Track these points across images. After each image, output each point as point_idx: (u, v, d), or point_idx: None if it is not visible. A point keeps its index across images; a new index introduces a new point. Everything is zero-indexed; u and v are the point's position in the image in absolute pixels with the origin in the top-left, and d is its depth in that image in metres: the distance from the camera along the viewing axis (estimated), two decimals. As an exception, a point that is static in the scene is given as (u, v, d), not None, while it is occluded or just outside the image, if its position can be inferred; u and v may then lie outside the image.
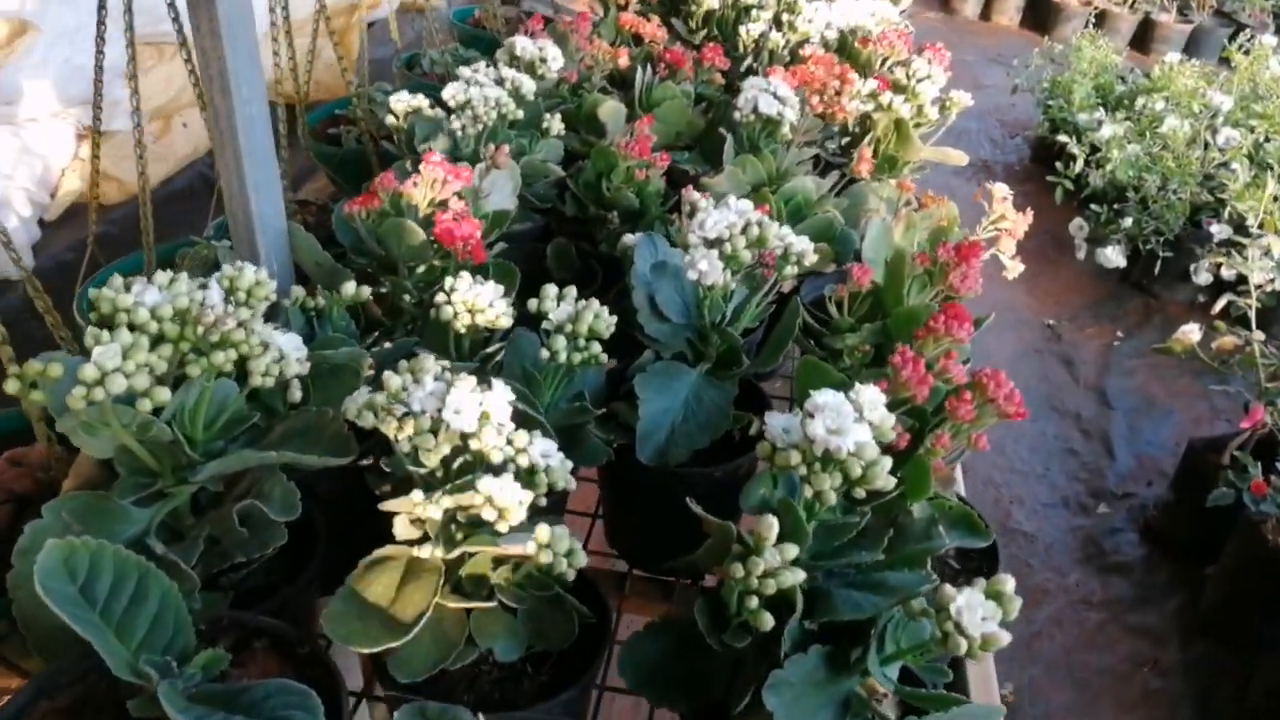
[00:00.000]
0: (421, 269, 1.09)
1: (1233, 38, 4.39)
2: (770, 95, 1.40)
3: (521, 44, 1.55)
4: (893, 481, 0.70)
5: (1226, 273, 2.91)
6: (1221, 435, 2.20)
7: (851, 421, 0.69)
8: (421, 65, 2.32)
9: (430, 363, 0.75)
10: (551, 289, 0.90)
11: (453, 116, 1.30)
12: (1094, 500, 2.37)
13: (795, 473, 0.70)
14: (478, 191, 1.19)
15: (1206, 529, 2.11)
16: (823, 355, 1.05)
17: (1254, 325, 2.16)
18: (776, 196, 1.30)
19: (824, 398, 0.70)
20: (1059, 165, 3.49)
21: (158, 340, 0.75)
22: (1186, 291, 3.11)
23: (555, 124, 1.41)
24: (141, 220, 1.19)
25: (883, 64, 1.69)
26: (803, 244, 0.96)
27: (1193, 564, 2.18)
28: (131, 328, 0.74)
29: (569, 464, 0.78)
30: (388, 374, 0.74)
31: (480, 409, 0.74)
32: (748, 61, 1.83)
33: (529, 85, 1.40)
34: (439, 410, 0.73)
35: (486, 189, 1.25)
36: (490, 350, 0.92)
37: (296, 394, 0.87)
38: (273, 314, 1.01)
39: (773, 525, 0.66)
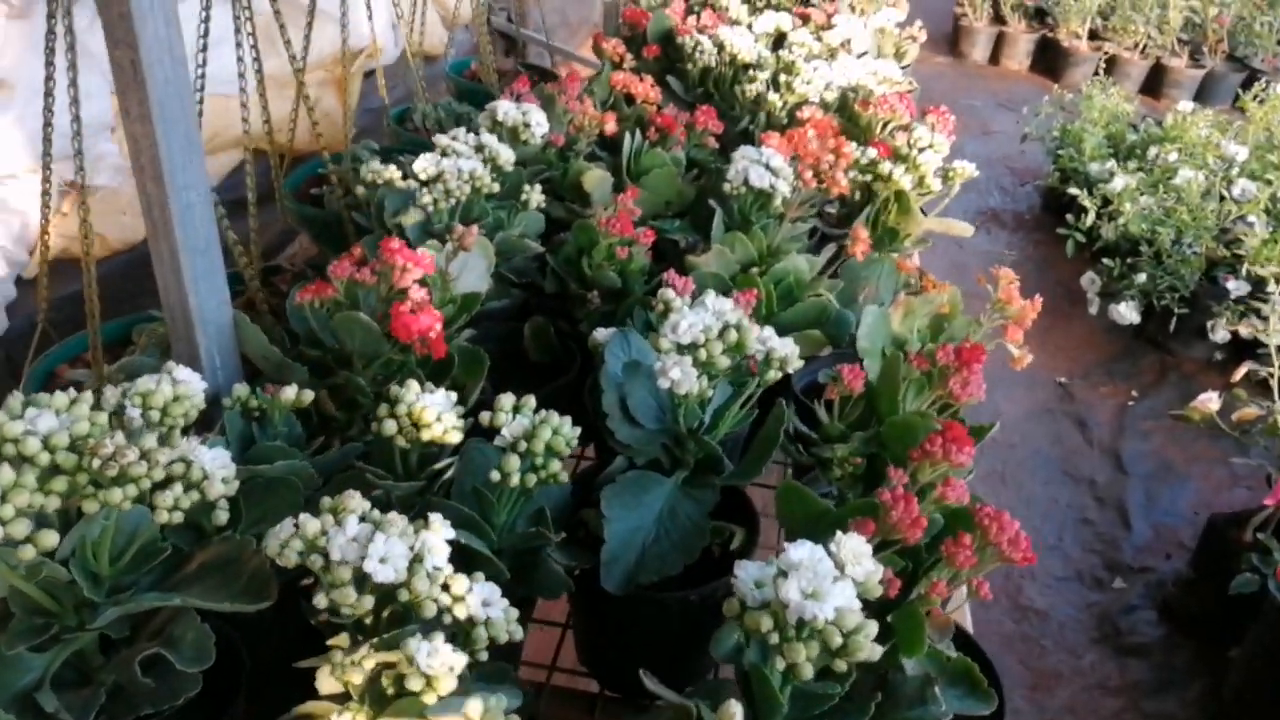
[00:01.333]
0: (379, 362, 1.01)
1: (1246, 84, 4.32)
2: (762, 167, 1.32)
3: (504, 108, 1.47)
4: (879, 651, 0.61)
5: (1245, 331, 2.81)
6: (1243, 511, 2.09)
7: (830, 583, 0.60)
8: (413, 119, 2.26)
9: (356, 501, 0.66)
10: (506, 399, 0.81)
11: (424, 190, 1.23)
12: (1110, 574, 2.26)
13: (767, 639, 0.61)
14: (444, 274, 1.11)
15: (1229, 608, 1.99)
16: (811, 464, 0.96)
17: (1277, 394, 2.06)
18: (766, 277, 1.21)
19: (799, 553, 0.61)
20: (1070, 217, 3.41)
21: (53, 472, 0.67)
22: (1203, 349, 3.01)
23: (535, 196, 1.33)
24: (86, 303, 1.11)
25: (884, 128, 1.61)
26: (786, 348, 0.87)
27: (1215, 645, 2.07)
28: (23, 458, 0.66)
29: (514, 612, 0.69)
30: (304, 517, 0.65)
31: (412, 554, 0.66)
32: (744, 123, 1.76)
33: (507, 155, 1.32)
34: (362, 559, 0.64)
35: (456, 270, 1.17)
36: (439, 466, 0.83)
37: (222, 517, 0.78)
38: (212, 417, 0.93)
39: (735, 715, 0.57)
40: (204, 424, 0.94)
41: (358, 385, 0.98)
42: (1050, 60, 5.64)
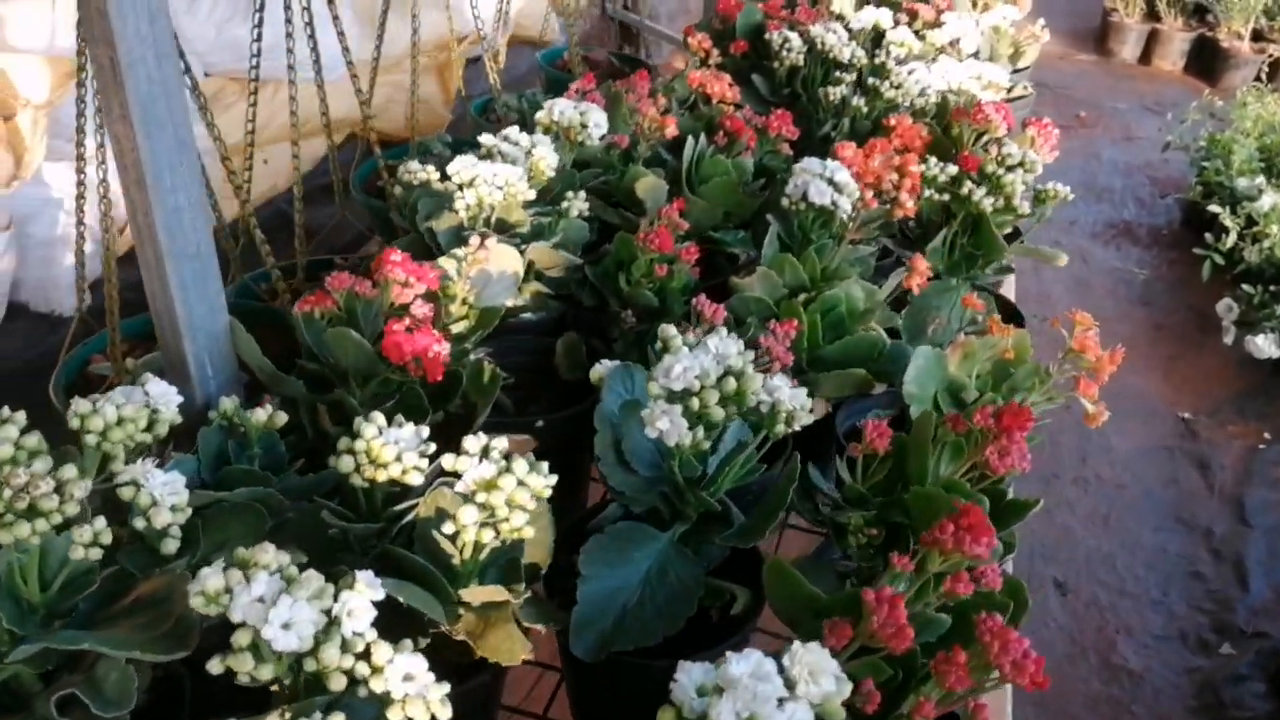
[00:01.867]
0: (376, 381, 0.95)
1: None
2: (824, 182, 1.21)
3: (559, 108, 1.40)
4: (829, 791, 0.51)
5: (1403, 376, 2.51)
6: (1380, 582, 1.86)
7: (773, 707, 0.51)
8: (495, 110, 2.22)
9: (269, 555, 0.61)
10: (474, 441, 0.74)
11: (457, 195, 1.17)
12: (1218, 637, 2.05)
13: (697, 763, 0.52)
14: (461, 285, 1.05)
15: (1355, 691, 1.78)
16: (825, 531, 0.85)
17: None
18: (815, 306, 1.11)
19: (740, 667, 0.52)
20: (1210, 236, 3.13)
21: (-28, 497, 0.63)
22: (1353, 391, 2.71)
23: (577, 204, 1.25)
24: (106, 299, 1.10)
25: (976, 140, 1.47)
26: (796, 399, 0.77)
27: (1334, 729, 1.85)
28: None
29: (444, 687, 0.62)
30: (205, 572, 0.60)
31: (326, 619, 0.59)
32: (826, 128, 1.64)
33: (550, 160, 1.25)
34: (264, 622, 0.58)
35: (479, 281, 1.11)
36: (400, 508, 0.77)
37: (171, 546, 0.74)
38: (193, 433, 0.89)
39: None
40: (193, 437, 0.90)
41: (351, 405, 0.93)
42: (1206, 62, 5.22)
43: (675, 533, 0.84)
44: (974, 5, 2.32)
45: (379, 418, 0.76)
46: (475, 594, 0.73)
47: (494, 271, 1.12)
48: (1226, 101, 3.68)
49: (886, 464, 0.86)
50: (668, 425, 0.74)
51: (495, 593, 0.73)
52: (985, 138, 1.47)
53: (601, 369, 0.86)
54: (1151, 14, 5.42)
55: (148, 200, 0.82)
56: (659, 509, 0.86)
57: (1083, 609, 2.08)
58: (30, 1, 1.79)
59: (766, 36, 1.80)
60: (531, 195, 1.19)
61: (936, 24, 2.07)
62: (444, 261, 1.08)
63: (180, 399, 0.83)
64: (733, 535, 0.83)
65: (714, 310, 1.00)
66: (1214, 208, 3.13)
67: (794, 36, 1.76)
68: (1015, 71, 2.24)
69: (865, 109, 1.58)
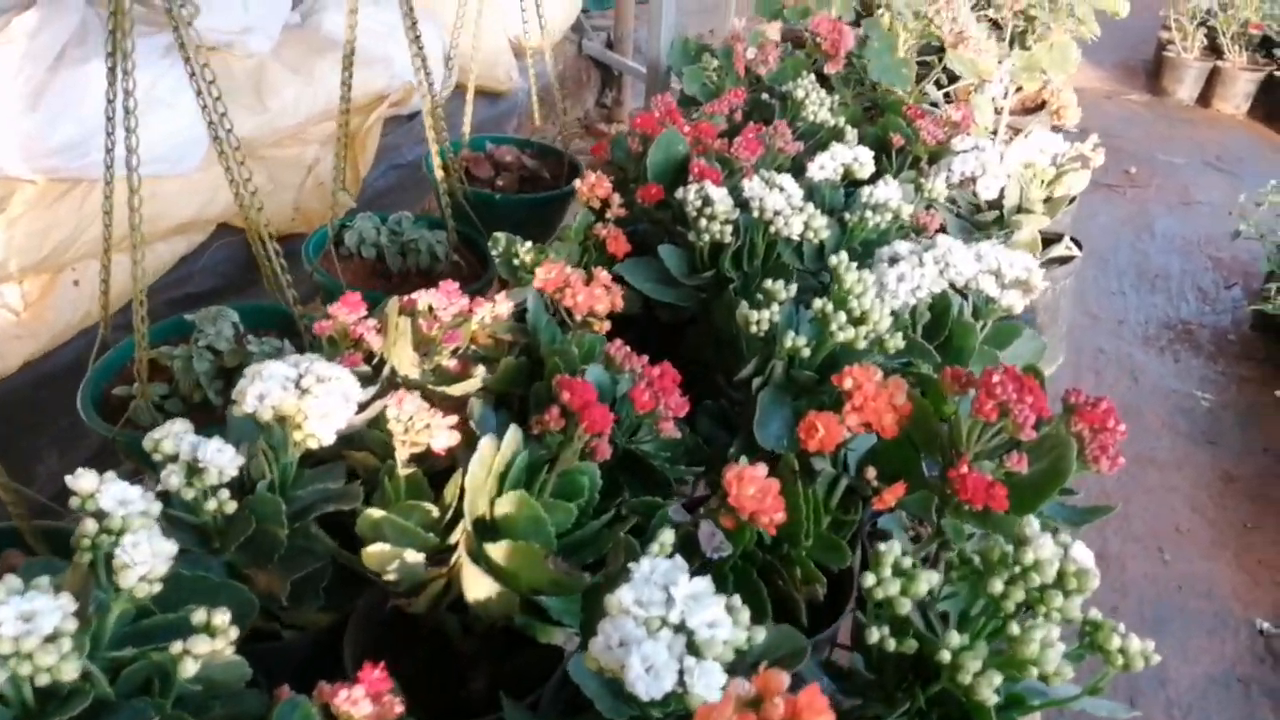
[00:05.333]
0: None
1: None
2: (668, 630, 0.61)
3: (260, 389, 0.81)
4: None
5: None
6: None
7: None
8: (345, 241, 1.65)
9: None
10: None
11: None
12: None
13: None
14: None
15: None
16: None
17: None
18: None
19: None
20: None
21: None
22: None
23: (206, 645, 0.65)
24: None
25: (983, 435, 0.87)
26: None
27: None
28: None
29: None
30: None
31: None
32: (748, 369, 1.03)
33: (157, 565, 0.66)
34: None
35: None
36: None
37: None
38: None
39: None
40: None
41: None
42: (1275, 105, 4.55)
43: None
44: (1008, 91, 1.70)
45: None
46: None
47: None
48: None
49: None
50: None
51: None
52: (999, 432, 0.87)
53: None
54: (1213, 49, 4.75)
55: None
56: None
57: None
58: None
59: (679, 193, 1.19)
60: (73, 673, 0.59)
61: (944, 147, 1.46)
62: None
63: None
64: None
65: None
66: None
67: (717, 197, 1.15)
68: (1065, 206, 1.62)
69: (806, 351, 0.97)
